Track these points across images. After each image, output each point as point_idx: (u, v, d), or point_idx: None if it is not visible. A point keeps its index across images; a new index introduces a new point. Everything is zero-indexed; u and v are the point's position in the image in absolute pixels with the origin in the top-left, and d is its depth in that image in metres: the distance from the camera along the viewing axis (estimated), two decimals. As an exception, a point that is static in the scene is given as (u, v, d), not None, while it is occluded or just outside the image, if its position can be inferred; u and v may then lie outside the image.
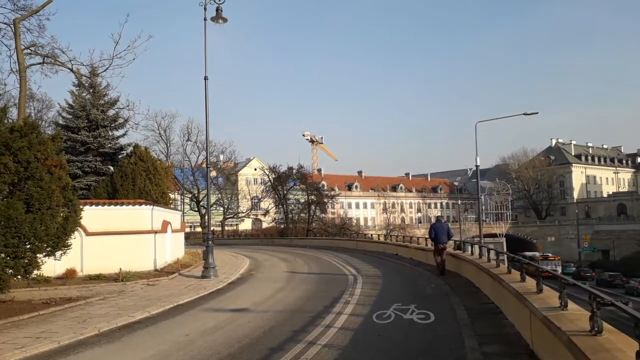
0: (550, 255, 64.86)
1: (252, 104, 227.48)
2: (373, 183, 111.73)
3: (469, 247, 17.35)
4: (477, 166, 27.89)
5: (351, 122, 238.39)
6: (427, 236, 19.73)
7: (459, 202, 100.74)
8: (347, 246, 36.75)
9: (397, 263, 23.31)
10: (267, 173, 62.20)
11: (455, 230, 78.40)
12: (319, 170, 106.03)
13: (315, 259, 26.72)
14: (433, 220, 17.97)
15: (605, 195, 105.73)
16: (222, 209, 67.91)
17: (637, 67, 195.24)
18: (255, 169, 79.30)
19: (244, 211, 72.26)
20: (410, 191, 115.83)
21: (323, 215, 64.36)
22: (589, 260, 74.38)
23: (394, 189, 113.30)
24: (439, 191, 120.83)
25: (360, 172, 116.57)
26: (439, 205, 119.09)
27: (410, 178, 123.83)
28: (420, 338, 8.66)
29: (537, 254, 66.54)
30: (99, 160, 27.43)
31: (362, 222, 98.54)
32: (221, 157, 67.66)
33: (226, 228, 71.50)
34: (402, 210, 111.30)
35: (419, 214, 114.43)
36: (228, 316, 11.30)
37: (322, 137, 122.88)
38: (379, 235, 42.05)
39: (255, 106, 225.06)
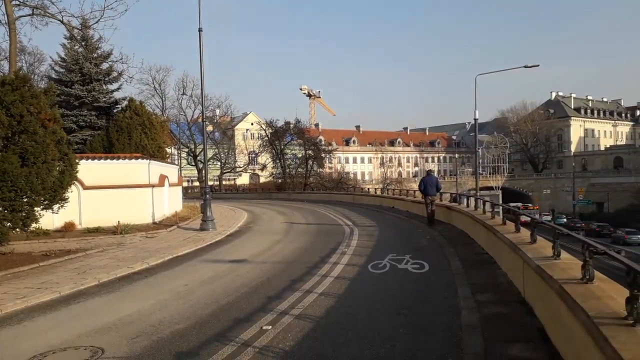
0: (530, 205, 65.60)
1: (249, 58, 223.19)
2: (371, 138, 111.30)
3: (465, 200, 17.46)
4: (475, 120, 27.67)
5: (350, 76, 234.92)
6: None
7: (457, 155, 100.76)
8: (344, 200, 36.98)
9: (393, 216, 23.53)
10: (264, 128, 61.71)
11: (452, 183, 79.03)
12: (317, 125, 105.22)
13: (313, 212, 26.95)
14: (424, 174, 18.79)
15: (602, 148, 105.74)
16: (219, 163, 67.85)
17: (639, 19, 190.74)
18: (252, 124, 78.68)
19: (241, 166, 72.28)
20: (408, 145, 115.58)
21: (320, 170, 64.38)
22: (583, 213, 75.28)
23: (392, 143, 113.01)
24: (436, 145, 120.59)
25: (358, 127, 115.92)
26: (436, 159, 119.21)
27: (409, 132, 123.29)
28: (415, 287, 8.82)
29: (519, 204, 66.98)
30: (94, 115, 27.08)
31: (359, 177, 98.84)
32: (217, 111, 66.97)
33: (224, 182, 71.72)
34: (400, 164, 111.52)
35: (416, 168, 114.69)
36: (226, 267, 11.47)
37: (319, 92, 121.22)
38: (375, 189, 42.25)
39: (252, 60, 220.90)
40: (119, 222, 17.74)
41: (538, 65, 26.60)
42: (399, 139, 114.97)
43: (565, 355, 4.52)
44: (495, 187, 58.31)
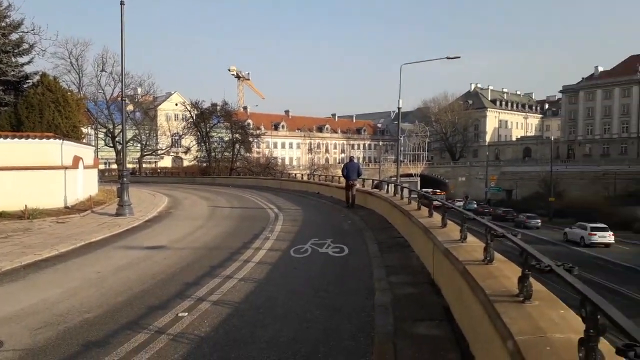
0: (438, 191, 69.43)
1: (174, 35, 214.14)
2: (300, 123, 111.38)
3: (385, 186, 18.07)
4: (399, 108, 28.54)
5: (281, 60, 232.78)
6: None
7: (381, 143, 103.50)
8: (271, 185, 36.87)
9: (318, 201, 23.83)
10: (189, 109, 59.76)
11: (376, 170, 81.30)
12: (245, 108, 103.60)
13: (238, 198, 26.65)
14: (347, 160, 19.89)
15: (514, 139, 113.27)
16: (139, 145, 64.93)
17: (553, 18, 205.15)
18: (177, 104, 75.87)
19: (163, 148, 69.60)
20: (336, 132, 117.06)
21: (248, 154, 63.59)
22: (494, 199, 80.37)
23: (320, 129, 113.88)
24: (362, 133, 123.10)
25: (287, 112, 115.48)
26: (362, 146, 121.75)
27: (337, 119, 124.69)
28: (334, 270, 9.04)
29: (429, 190, 70.66)
30: (1, 89, 24.82)
31: (287, 162, 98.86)
32: (139, 90, 63.86)
33: (144, 166, 68.80)
34: (327, 150, 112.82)
35: (343, 155, 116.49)
36: (143, 254, 11.08)
37: (248, 73, 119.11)
38: (302, 175, 42.46)
39: (178, 38, 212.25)
40: (26, 206, 16.52)
41: (459, 57, 27.82)
42: (327, 125, 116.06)
43: (466, 330, 4.85)
44: (415, 174, 60.76)
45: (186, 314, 6.40)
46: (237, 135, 58.61)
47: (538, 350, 2.69)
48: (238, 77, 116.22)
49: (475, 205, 71.47)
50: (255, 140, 65.45)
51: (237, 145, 58.77)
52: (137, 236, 13.90)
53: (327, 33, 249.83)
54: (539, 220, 52.31)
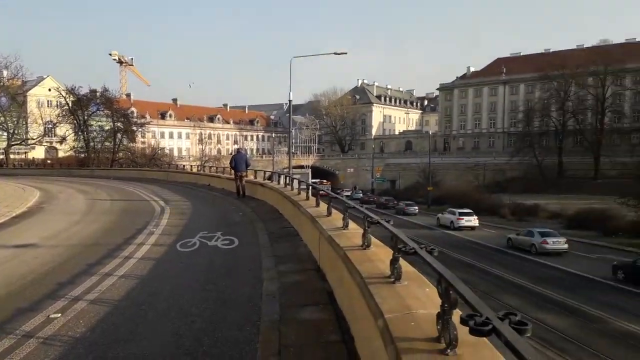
0: (324, 181, 72.43)
1: (48, 14, 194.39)
2: (189, 112, 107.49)
3: (276, 177, 18.24)
4: (290, 101, 28.79)
5: (168, 46, 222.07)
6: None
7: (274, 135, 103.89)
8: (157, 177, 35.24)
9: (209, 193, 23.31)
10: (65, 95, 54.86)
11: (269, 162, 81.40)
12: (128, 96, 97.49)
13: (120, 191, 25.12)
14: (235, 152, 20.29)
15: (397, 133, 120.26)
16: (6, 134, 58.24)
17: (432, 19, 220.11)
18: (50, 90, 69.19)
19: (34, 137, 63.07)
20: (228, 123, 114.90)
21: (132, 144, 60.11)
22: (380, 189, 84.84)
23: (211, 119, 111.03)
24: (255, 124, 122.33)
25: (175, 100, 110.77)
26: (255, 137, 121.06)
27: (229, 109, 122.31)
28: (223, 262, 8.96)
29: (317, 180, 73.23)
30: None
31: (176, 153, 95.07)
32: (5, 72, 57.04)
33: (12, 157, 61.84)
34: (219, 141, 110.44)
35: (235, 146, 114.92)
36: (9, 252, 10.05)
37: (132, 59, 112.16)
38: (191, 166, 41.16)
39: (51, 16, 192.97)
40: None
41: (346, 53, 28.75)
42: (218, 116, 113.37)
43: (347, 312, 5.11)
44: (306, 166, 61.92)
45: (59, 314, 5.95)
46: (119, 124, 55.11)
47: (404, 325, 2.93)
48: (120, 62, 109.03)
49: (362, 195, 76.19)
50: (140, 129, 62.01)
51: (119, 135, 55.24)
52: (2, 234, 12.53)
53: (218, 23, 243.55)
54: (417, 207, 56.68)
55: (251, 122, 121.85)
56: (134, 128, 58.28)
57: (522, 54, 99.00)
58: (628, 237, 34.76)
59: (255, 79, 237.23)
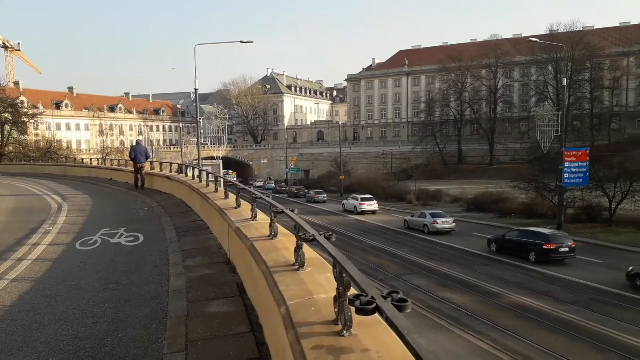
0: (230, 171, 72.44)
1: None
2: (88, 102, 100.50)
3: (185, 169, 17.76)
4: (196, 90, 27.96)
5: (61, 31, 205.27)
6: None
7: (182, 125, 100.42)
8: (53, 172, 32.70)
9: (111, 188, 22.07)
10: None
11: (178, 153, 78.60)
12: (17, 84, 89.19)
13: (10, 187, 23.05)
14: (134, 144, 20.07)
15: (309, 123, 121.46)
16: None
17: (337, 11, 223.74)
18: None
19: None
20: (131, 113, 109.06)
21: (23, 137, 55.16)
22: (295, 179, 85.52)
23: (112, 109, 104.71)
24: (161, 114, 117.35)
25: (71, 89, 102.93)
26: (161, 128, 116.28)
27: (131, 98, 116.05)
28: (127, 260, 8.59)
29: (224, 171, 72.79)
30: None
31: (74, 146, 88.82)
32: None
33: None
34: (122, 132, 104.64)
35: (140, 137, 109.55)
36: None
37: (19, 44, 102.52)
38: (91, 159, 38.68)
39: None
40: None
41: (252, 42, 28.41)
42: (120, 105, 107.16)
43: (255, 303, 5.18)
44: (217, 157, 60.66)
45: (-62, 327, 5.40)
46: (6, 115, 50.29)
47: (305, 311, 3.05)
48: (5, 47, 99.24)
49: (274, 185, 76.81)
50: (32, 120, 57.09)
51: (7, 127, 50.44)
52: None
53: (116, 5, 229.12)
54: (326, 195, 59.36)
55: (156, 112, 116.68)
56: (25, 119, 53.51)
57: (422, 46, 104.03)
58: (521, 218, 38.20)
59: (160, 67, 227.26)
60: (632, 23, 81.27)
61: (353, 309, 2.44)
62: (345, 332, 2.58)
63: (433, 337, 15.59)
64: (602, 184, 33.59)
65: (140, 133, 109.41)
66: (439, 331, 16.48)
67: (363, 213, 45.59)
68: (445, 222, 34.74)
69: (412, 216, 37.98)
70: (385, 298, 2.02)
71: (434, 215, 35.46)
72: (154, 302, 6.08)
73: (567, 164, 31.86)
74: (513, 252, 26.90)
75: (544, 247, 25.17)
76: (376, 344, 2.41)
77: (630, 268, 21.45)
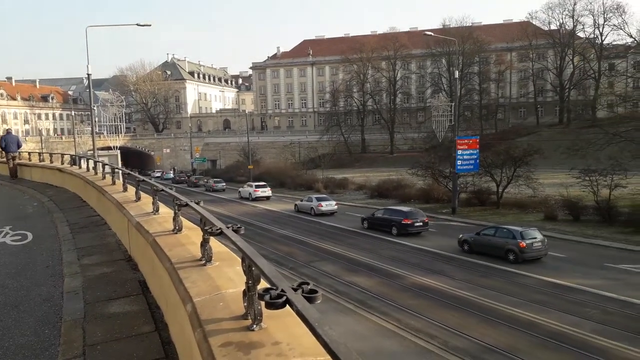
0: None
1: None
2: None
3: (79, 160, 16.51)
4: (88, 75, 25.96)
5: None
6: (35, 150, 18.87)
7: (73, 113, 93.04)
8: None
9: (-8, 182, 19.95)
10: None
11: (70, 143, 72.80)
12: None
13: None
14: (4, 133, 20.26)
15: (214, 111, 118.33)
16: None
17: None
18: None
19: None
20: (14, 99, 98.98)
21: None
22: (201, 169, 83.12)
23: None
24: (50, 100, 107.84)
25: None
26: (51, 116, 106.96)
27: (14, 84, 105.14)
28: (14, 261, 7.82)
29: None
30: None
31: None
32: None
33: None
34: (5, 121, 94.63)
35: (27, 126, 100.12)
36: None
37: None
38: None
39: None
40: None
41: (150, 25, 26.94)
42: (1, 91, 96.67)
43: (160, 301, 4.96)
44: (115, 147, 57.13)
45: None
46: None
47: (212, 307, 2.96)
48: None
49: (172, 175, 75.66)
50: None
51: None
52: None
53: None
54: (225, 184, 60.60)
55: (44, 99, 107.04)
56: None
57: (325, 37, 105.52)
58: (419, 203, 40.43)
59: (47, 50, 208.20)
60: (514, 20, 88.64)
61: (262, 302, 2.43)
62: (255, 326, 2.56)
63: (342, 320, 16.09)
64: (490, 170, 36.50)
65: (27, 121, 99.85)
66: (347, 314, 17.04)
67: (257, 199, 48.05)
68: (328, 205, 38.34)
69: (302, 200, 40.91)
70: (295, 290, 2.01)
71: (319, 199, 39.14)
72: (46, 306, 5.60)
73: (459, 152, 34.27)
74: (380, 227, 30.83)
75: (402, 222, 29.36)
76: (287, 335, 2.41)
77: (460, 235, 25.99)
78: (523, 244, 22.54)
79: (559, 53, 77.16)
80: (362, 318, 16.88)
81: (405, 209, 31.95)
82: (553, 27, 77.01)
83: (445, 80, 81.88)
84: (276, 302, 1.96)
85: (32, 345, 4.62)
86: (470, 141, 35.79)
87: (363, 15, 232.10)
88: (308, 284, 2.09)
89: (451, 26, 78.98)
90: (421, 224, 29.56)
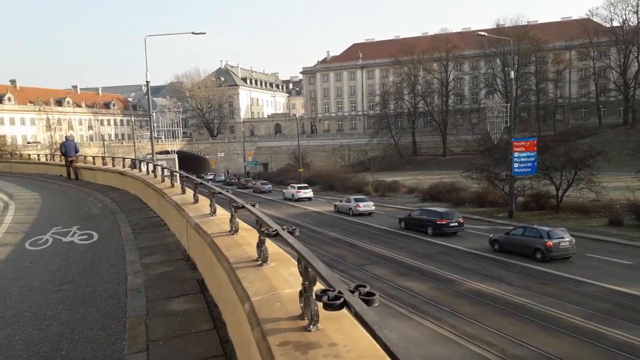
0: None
1: None
2: (32, 95, 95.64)
3: (139, 164, 17.29)
4: (147, 82, 27.06)
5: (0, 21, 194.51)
6: (98, 155, 19.96)
7: (133, 119, 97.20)
8: (-4, 169, 31.12)
9: (62, 185, 21.22)
10: None
11: (130, 148, 76.28)
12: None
13: (-51, 186, 21.74)
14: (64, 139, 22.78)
15: (265, 115, 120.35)
16: None
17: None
18: None
19: None
20: (80, 106, 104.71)
21: (-39, 132, 52.04)
22: (253, 172, 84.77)
23: (60, 103, 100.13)
24: (112, 107, 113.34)
25: (14, 82, 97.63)
26: (112, 122, 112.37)
27: (79, 92, 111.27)
28: (81, 259, 8.32)
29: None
30: None
31: (20, 141, 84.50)
32: None
33: None
34: (71, 127, 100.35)
35: (91, 132, 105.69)
36: None
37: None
38: (38, 155, 36.96)
39: None
40: None
41: (205, 33, 27.78)
42: (67, 99, 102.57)
43: (217, 300, 5.12)
44: (172, 151, 59.29)
45: None
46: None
47: (270, 307, 3.03)
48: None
49: (223, 178, 78.06)
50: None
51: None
52: None
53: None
54: (270, 185, 63.36)
55: (107, 105, 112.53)
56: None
57: (375, 40, 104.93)
58: (474, 207, 39.42)
59: (108, 60, 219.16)
60: (572, 18, 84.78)
61: (319, 303, 2.46)
62: (312, 326, 2.59)
63: (394, 324, 15.91)
64: (549, 173, 35.02)
65: (90, 127, 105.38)
66: (399, 319, 16.83)
67: (299, 200, 50.19)
68: (366, 205, 39.92)
69: (341, 201, 42.72)
70: (352, 292, 2.04)
71: (357, 200, 40.85)
72: (112, 302, 5.91)
73: (516, 154, 33.10)
74: (416, 227, 31.49)
75: (438, 222, 29.96)
76: (343, 337, 2.43)
77: (491, 235, 26.64)
78: (550, 243, 23.18)
79: (622, 50, 73.02)
80: (415, 323, 16.62)
81: (440, 209, 32.59)
82: (615, 23, 73.04)
83: (500, 80, 79.37)
84: (334, 303, 1.99)
85: (100, 339, 4.89)
86: (528, 143, 34.50)
87: (413, 17, 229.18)
88: (365, 286, 2.11)
89: (505, 25, 76.51)
90: (456, 224, 30.11)
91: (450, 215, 30.64)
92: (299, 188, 51.67)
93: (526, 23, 79.61)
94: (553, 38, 77.82)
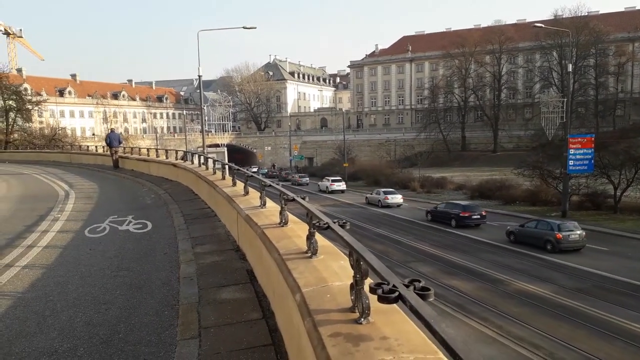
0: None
1: None
2: (91, 89, 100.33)
3: (191, 157, 17.79)
4: (199, 76, 27.79)
5: (63, 17, 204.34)
6: (151, 147, 20.79)
7: (185, 112, 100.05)
8: (59, 160, 32.85)
9: (117, 175, 22.17)
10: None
11: (181, 140, 78.67)
12: (19, 71, 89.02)
13: (17, 176, 23.18)
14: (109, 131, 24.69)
15: (312, 110, 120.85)
16: None
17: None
18: None
19: None
20: (134, 100, 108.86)
21: (28, 124, 55.19)
22: (298, 166, 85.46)
23: (116, 96, 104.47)
24: (164, 100, 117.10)
25: (74, 76, 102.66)
26: (165, 115, 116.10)
27: (134, 85, 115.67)
28: (136, 247, 8.67)
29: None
30: None
31: (79, 133, 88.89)
32: None
33: None
34: (126, 119, 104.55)
35: (144, 124, 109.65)
36: None
37: (21, 30, 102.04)
38: (96, 147, 38.70)
39: None
40: None
41: (255, 28, 28.23)
42: (123, 92, 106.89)
43: (267, 290, 5.22)
44: (222, 145, 60.70)
45: (-48, 313, 5.51)
46: (10, 102, 50.20)
47: (320, 298, 3.07)
48: (7, 33, 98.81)
49: (266, 170, 79.57)
50: (36, 107, 57.01)
51: (12, 114, 50.43)
52: None
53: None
54: (308, 178, 66.16)
55: (159, 99, 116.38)
56: (29, 106, 53.48)
57: (425, 32, 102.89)
58: (525, 205, 38.14)
59: (161, 54, 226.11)
60: (637, 8, 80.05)
61: (370, 296, 2.47)
62: (362, 319, 2.60)
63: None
64: (607, 171, 33.36)
65: (144, 120, 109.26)
66: (445, 317, 16.55)
67: (333, 192, 53.16)
68: (394, 198, 42.14)
69: (371, 194, 45.08)
70: (407, 286, 2.03)
71: (385, 192, 43.06)
72: (165, 289, 6.14)
73: (571, 151, 31.72)
74: (441, 219, 33.19)
75: (460, 215, 31.60)
76: (395, 331, 2.43)
77: (508, 227, 28.02)
78: (559, 235, 24.27)
79: (691, 41, 68.38)
80: (460, 322, 16.30)
81: (463, 203, 35.03)
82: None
83: (556, 74, 76.09)
84: (389, 296, 1.99)
85: (154, 324, 5.09)
86: (585, 139, 32.95)
87: (465, 8, 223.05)
88: (420, 281, 2.09)
89: (564, 16, 73.15)
90: (478, 216, 31.73)
91: (472, 208, 32.45)
92: (333, 181, 54.82)
93: (586, 13, 75.83)
94: (615, 29, 73.74)
